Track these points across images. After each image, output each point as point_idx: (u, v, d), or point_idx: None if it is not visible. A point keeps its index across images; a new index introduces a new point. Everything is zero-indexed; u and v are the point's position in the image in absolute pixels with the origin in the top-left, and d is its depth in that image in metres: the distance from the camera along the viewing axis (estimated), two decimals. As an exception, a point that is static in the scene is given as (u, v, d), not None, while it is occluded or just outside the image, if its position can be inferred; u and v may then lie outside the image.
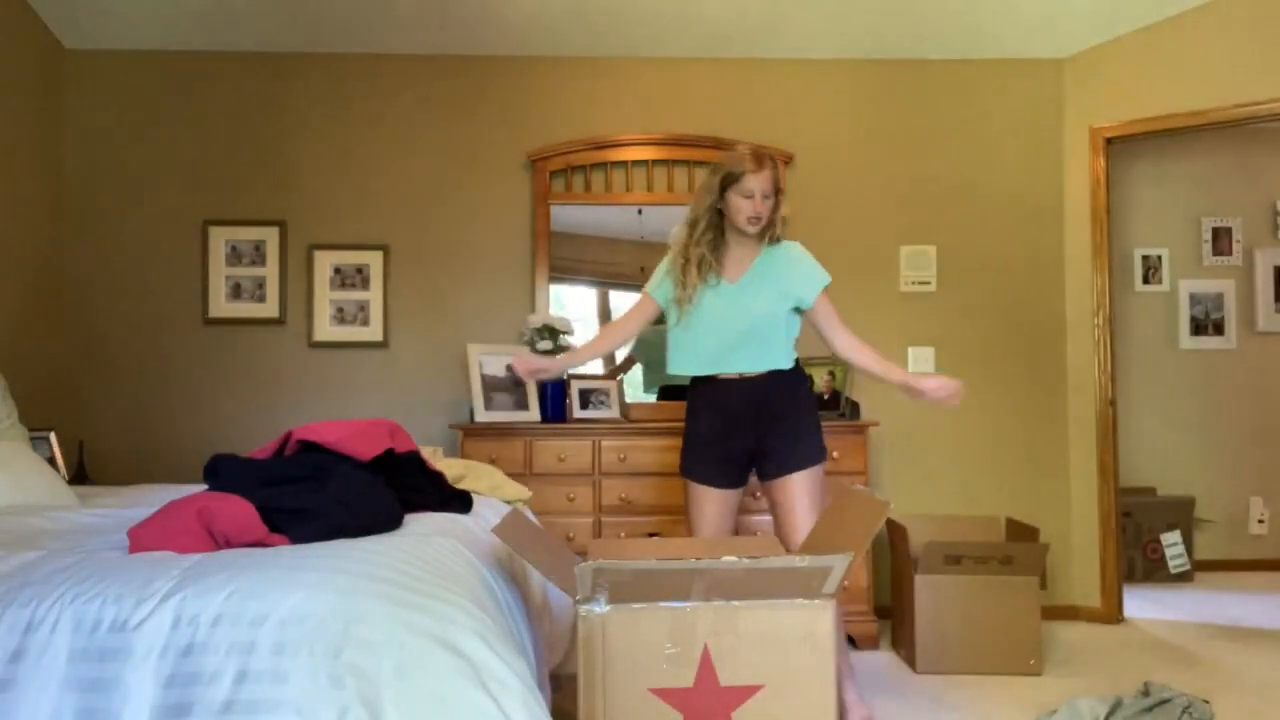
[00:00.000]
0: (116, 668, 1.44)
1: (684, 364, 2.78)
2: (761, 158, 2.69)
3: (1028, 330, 4.25)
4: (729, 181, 2.69)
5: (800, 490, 2.72)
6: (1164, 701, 2.66)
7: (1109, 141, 4.15)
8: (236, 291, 4.16)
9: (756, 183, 2.66)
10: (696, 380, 2.82)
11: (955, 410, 4.18)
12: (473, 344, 4.00)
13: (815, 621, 1.83)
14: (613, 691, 1.77)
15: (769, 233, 2.75)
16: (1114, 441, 4.15)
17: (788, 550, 2.60)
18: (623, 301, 4.27)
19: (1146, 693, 2.75)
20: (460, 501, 2.43)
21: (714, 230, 2.74)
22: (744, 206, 2.67)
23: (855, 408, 4.00)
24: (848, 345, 2.76)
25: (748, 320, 2.71)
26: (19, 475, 2.64)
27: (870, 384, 4.13)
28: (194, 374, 4.14)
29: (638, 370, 4.26)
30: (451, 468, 2.75)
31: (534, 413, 3.93)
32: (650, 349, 4.18)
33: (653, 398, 4.22)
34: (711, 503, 2.81)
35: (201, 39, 4.13)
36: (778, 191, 2.72)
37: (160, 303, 4.15)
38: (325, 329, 4.17)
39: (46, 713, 1.42)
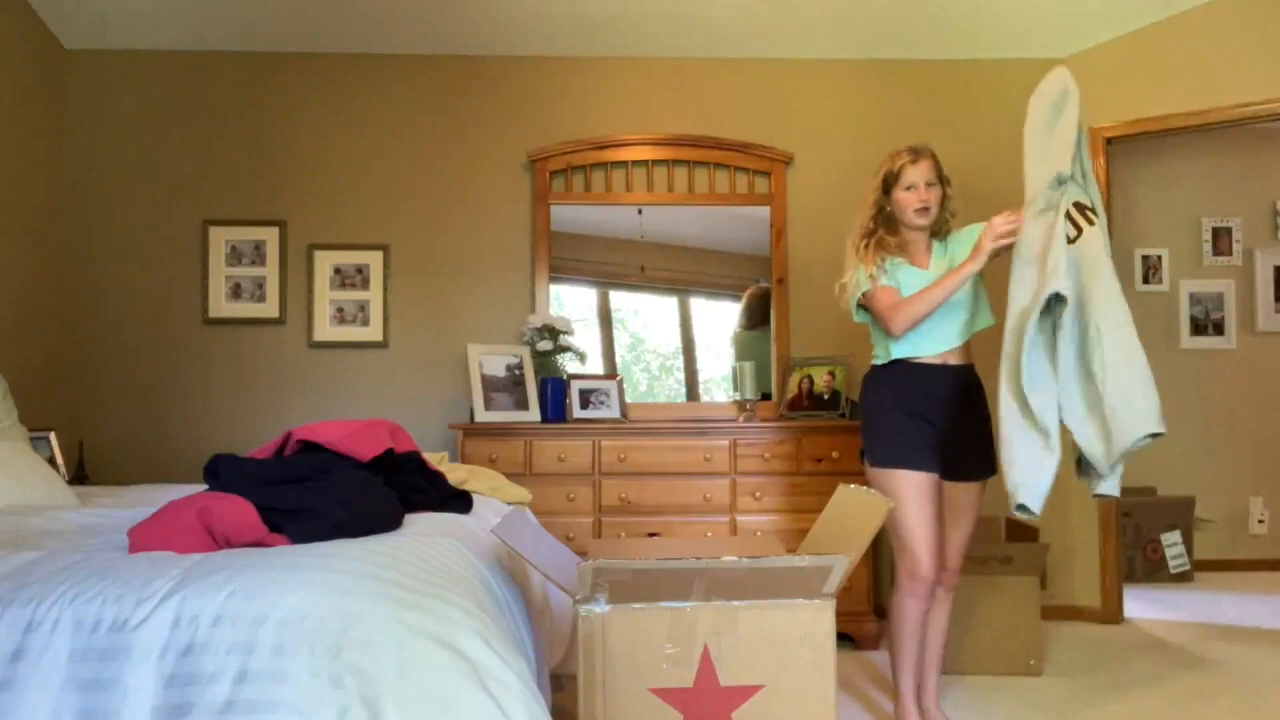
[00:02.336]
0: (116, 668, 1.44)
1: (909, 346, 2.73)
2: (917, 150, 2.75)
3: (1028, 330, 4.25)
4: (890, 181, 2.75)
5: (978, 499, 2.84)
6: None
7: (1109, 141, 4.15)
8: (236, 291, 4.16)
9: (918, 173, 2.71)
10: (894, 365, 2.74)
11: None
12: (473, 344, 4.00)
13: (815, 621, 1.83)
14: (613, 691, 1.77)
15: (941, 228, 2.82)
16: (1114, 441, 4.14)
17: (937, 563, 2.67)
18: (622, 302, 4.27)
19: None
20: (460, 501, 2.44)
21: (885, 231, 2.77)
22: (909, 199, 2.71)
23: (855, 408, 3.99)
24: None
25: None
26: (19, 475, 2.64)
27: (870, 384, 4.13)
28: (194, 374, 4.14)
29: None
30: (454, 472, 2.75)
31: (534, 413, 3.93)
32: (748, 350, 4.18)
33: (653, 399, 4.22)
34: (933, 492, 2.68)
35: (201, 39, 4.13)
36: (942, 180, 2.77)
37: (160, 303, 4.15)
38: (325, 329, 4.17)
39: (46, 713, 1.42)
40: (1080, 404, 2.48)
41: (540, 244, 4.17)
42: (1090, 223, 2.48)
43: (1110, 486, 2.61)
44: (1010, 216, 2.60)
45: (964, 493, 2.78)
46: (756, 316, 4.23)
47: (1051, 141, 2.55)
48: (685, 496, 3.73)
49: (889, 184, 2.75)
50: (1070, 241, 2.47)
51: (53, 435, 3.45)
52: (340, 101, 4.23)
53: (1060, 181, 2.50)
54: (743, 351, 4.21)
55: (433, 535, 1.92)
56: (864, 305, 2.75)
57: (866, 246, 2.72)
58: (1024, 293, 2.52)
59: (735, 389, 4.09)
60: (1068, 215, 2.47)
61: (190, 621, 1.47)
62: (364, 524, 1.90)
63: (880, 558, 4.04)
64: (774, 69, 4.27)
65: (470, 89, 4.24)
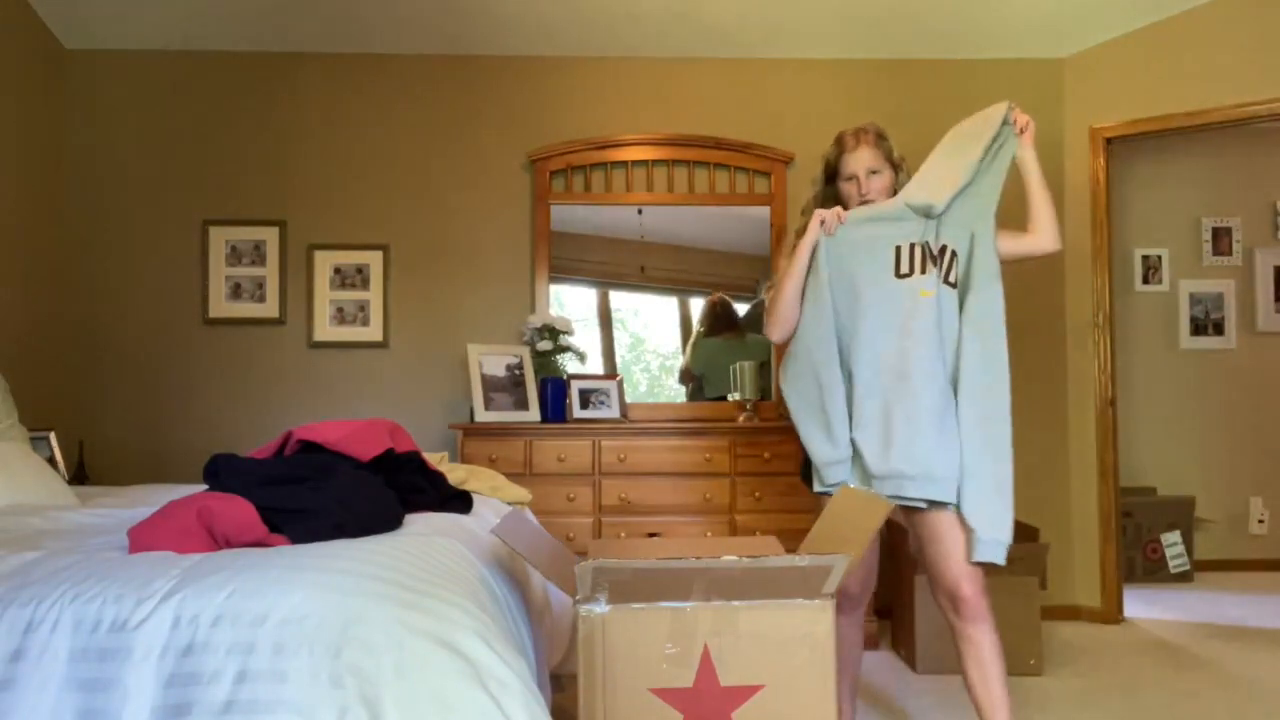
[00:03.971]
0: (116, 668, 1.44)
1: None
2: (857, 132, 2.44)
3: (1027, 330, 4.25)
4: (830, 172, 2.49)
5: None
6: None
7: (1109, 141, 4.15)
8: (236, 291, 4.16)
9: (856, 161, 2.41)
10: None
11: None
12: (473, 344, 4.00)
13: (815, 621, 1.83)
14: (613, 691, 1.77)
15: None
16: (1114, 441, 4.15)
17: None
18: (622, 302, 4.27)
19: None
20: (460, 501, 2.43)
21: None
22: (849, 191, 2.42)
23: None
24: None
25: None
26: (19, 475, 2.64)
27: (870, 384, 4.13)
28: (194, 374, 4.14)
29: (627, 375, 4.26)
30: (454, 472, 2.75)
31: (534, 413, 3.93)
32: (700, 363, 4.19)
33: (653, 399, 4.22)
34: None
35: (201, 39, 4.13)
36: (893, 164, 2.45)
37: (160, 303, 4.15)
38: (325, 329, 4.17)
39: (46, 713, 1.42)
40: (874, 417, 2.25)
41: (540, 244, 4.17)
42: (938, 283, 2.25)
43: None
44: (840, 212, 2.36)
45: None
46: (721, 324, 4.25)
47: (957, 159, 2.30)
48: (685, 496, 3.73)
49: (829, 174, 2.49)
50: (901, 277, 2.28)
51: (53, 435, 3.45)
52: (340, 101, 4.23)
53: (926, 213, 2.29)
54: (703, 357, 4.22)
55: (433, 535, 1.92)
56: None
57: (789, 248, 2.46)
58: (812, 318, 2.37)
59: (681, 385, 4.11)
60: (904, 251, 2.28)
61: (190, 621, 1.47)
62: (364, 524, 1.90)
63: (880, 558, 4.03)
64: (774, 69, 4.27)
65: (470, 89, 4.24)
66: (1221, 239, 5.27)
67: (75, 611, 1.48)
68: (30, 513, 2.32)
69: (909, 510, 2.29)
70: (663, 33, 4.11)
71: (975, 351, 2.19)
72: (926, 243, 2.26)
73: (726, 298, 4.26)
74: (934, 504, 2.22)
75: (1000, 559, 2.18)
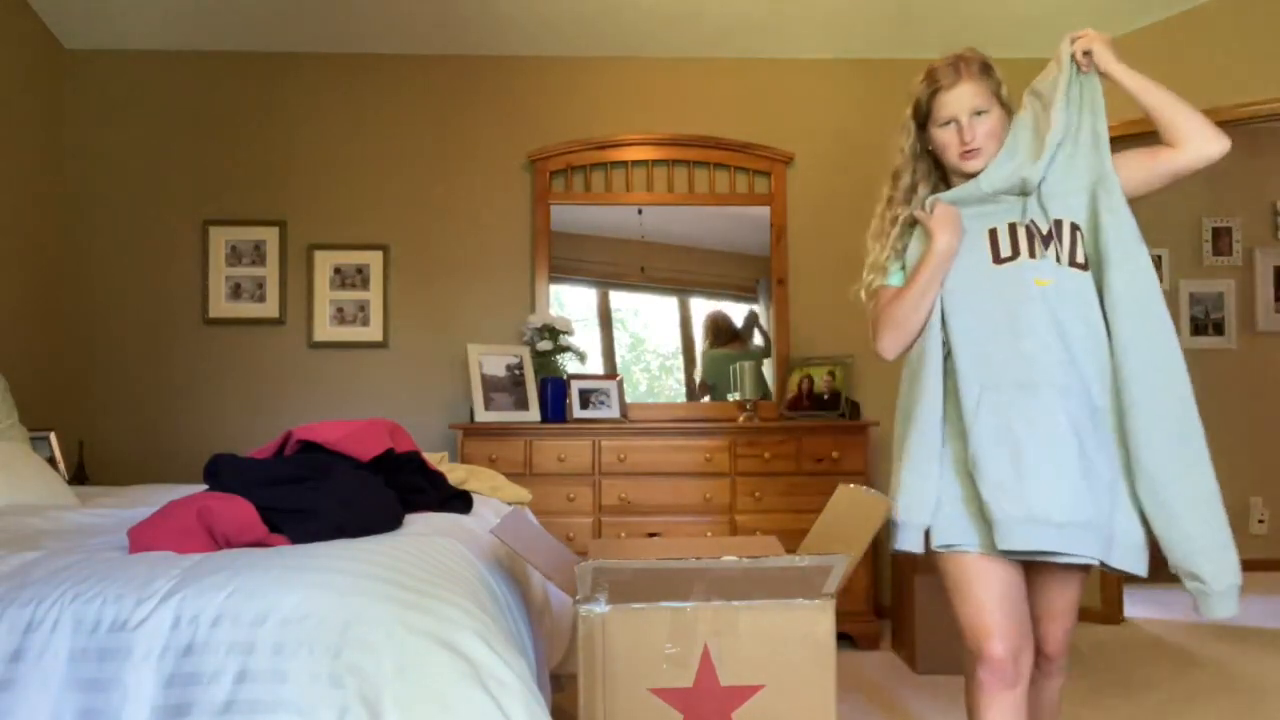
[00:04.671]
0: (116, 668, 1.44)
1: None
2: (957, 63, 1.92)
3: (1028, 330, 4.25)
4: (922, 114, 1.95)
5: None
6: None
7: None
8: (236, 291, 4.16)
9: (956, 101, 1.89)
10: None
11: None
12: (473, 344, 4.00)
13: (815, 621, 1.83)
14: (613, 691, 1.77)
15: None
16: (1114, 441, 4.15)
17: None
18: (622, 302, 4.27)
19: None
20: (460, 501, 2.43)
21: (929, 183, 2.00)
22: (948, 140, 1.90)
23: (855, 408, 4.00)
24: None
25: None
26: (19, 475, 2.64)
27: (870, 384, 4.13)
28: (194, 374, 4.14)
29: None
30: (454, 472, 2.75)
31: (534, 413, 3.93)
32: (712, 375, 4.21)
33: (653, 399, 4.22)
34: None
35: (201, 39, 4.13)
36: (1002, 103, 1.94)
37: (160, 303, 4.15)
38: (325, 329, 4.17)
39: (46, 713, 1.42)
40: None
41: (540, 244, 4.17)
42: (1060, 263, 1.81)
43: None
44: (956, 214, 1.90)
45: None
46: (724, 337, 4.26)
47: (1040, 117, 1.90)
48: (685, 496, 3.73)
49: (921, 118, 1.95)
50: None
51: (53, 435, 3.45)
52: (340, 101, 4.23)
53: (1023, 191, 1.86)
54: (713, 369, 4.23)
55: (433, 535, 1.92)
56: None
57: (884, 222, 2.02)
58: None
59: (694, 388, 4.11)
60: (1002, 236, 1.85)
61: (190, 621, 1.47)
62: (364, 524, 1.90)
63: (880, 558, 4.04)
64: (774, 69, 4.27)
65: (470, 89, 4.24)
66: (1221, 239, 5.27)
67: (75, 611, 1.48)
68: (30, 513, 2.32)
69: (1030, 563, 1.81)
70: (663, 33, 4.11)
71: (1135, 344, 1.73)
72: (1031, 222, 1.82)
73: (724, 311, 4.27)
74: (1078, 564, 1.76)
75: (1235, 608, 1.94)
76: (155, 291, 4.16)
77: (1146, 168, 1.86)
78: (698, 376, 4.26)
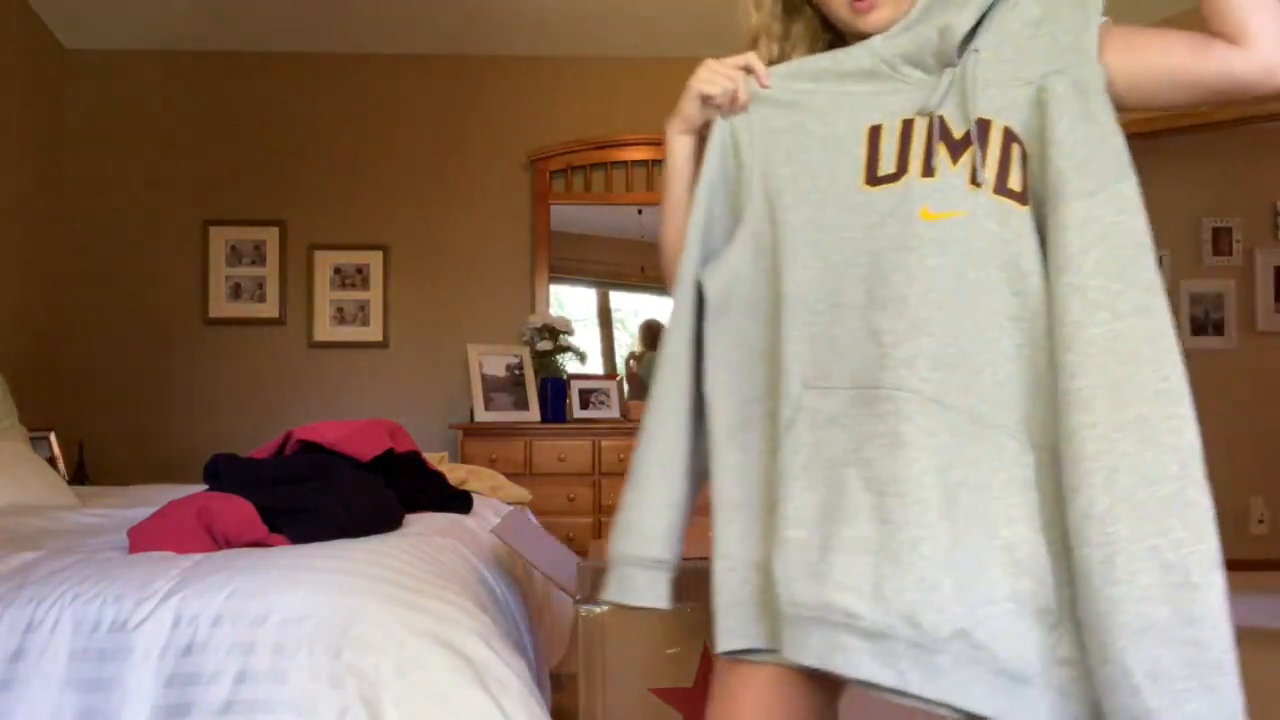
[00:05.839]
0: (116, 668, 1.44)
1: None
2: None
3: (1028, 330, 4.25)
4: None
5: None
6: None
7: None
8: (236, 291, 4.16)
9: None
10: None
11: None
12: (473, 344, 4.00)
13: (815, 621, 1.82)
14: (613, 691, 1.77)
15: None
16: (1114, 441, 4.15)
17: None
18: (622, 302, 4.27)
19: None
20: (460, 501, 2.44)
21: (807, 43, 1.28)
22: None
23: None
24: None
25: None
26: (19, 475, 2.64)
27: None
28: (194, 374, 4.14)
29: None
30: (454, 472, 2.75)
31: (534, 413, 3.93)
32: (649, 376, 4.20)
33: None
34: None
35: (201, 39, 4.13)
36: None
37: (160, 303, 4.15)
38: (325, 329, 4.17)
39: (46, 713, 1.42)
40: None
41: (540, 244, 4.17)
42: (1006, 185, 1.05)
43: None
44: (736, 63, 1.21)
45: None
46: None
47: None
48: (685, 496, 3.72)
49: None
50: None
51: (53, 435, 3.45)
52: (340, 101, 4.22)
53: (940, 55, 1.08)
54: (647, 373, 4.23)
55: (433, 535, 1.92)
56: None
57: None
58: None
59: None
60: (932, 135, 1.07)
61: (190, 621, 1.47)
62: (364, 524, 1.90)
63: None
64: (774, 69, 4.28)
65: (470, 89, 4.24)
66: (1221, 239, 5.27)
67: (75, 611, 1.48)
68: (30, 513, 2.32)
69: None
70: (663, 32, 4.11)
71: (1092, 339, 0.97)
72: (941, 118, 1.07)
73: (658, 319, 4.26)
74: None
75: None
76: (155, 291, 4.16)
77: (1173, 61, 1.10)
78: (642, 378, 4.23)
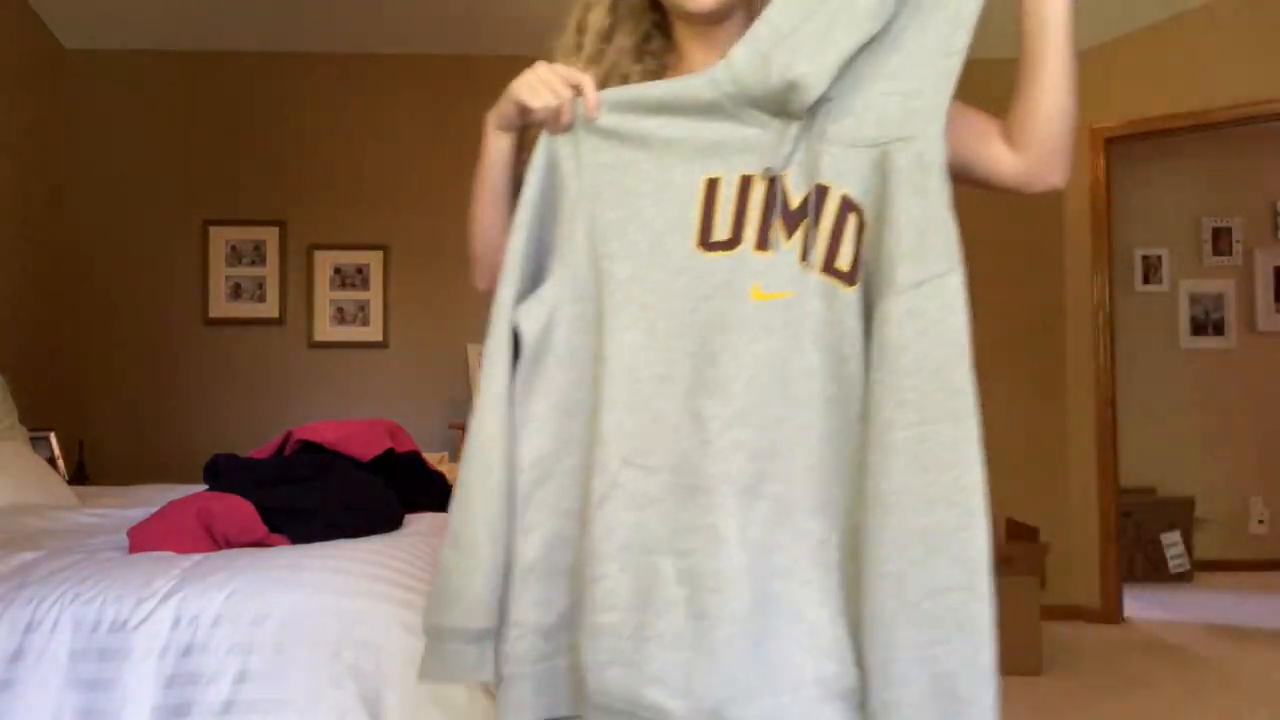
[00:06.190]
0: (116, 668, 1.44)
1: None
2: None
3: (1028, 330, 4.25)
4: None
5: None
6: None
7: (1109, 141, 4.14)
8: (236, 291, 4.16)
9: None
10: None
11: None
12: (473, 344, 4.00)
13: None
14: None
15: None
16: (1114, 441, 4.15)
17: None
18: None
19: None
20: (460, 501, 2.43)
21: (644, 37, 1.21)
22: None
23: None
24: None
25: None
26: (19, 475, 2.64)
27: (870, 384, 4.13)
28: (194, 374, 4.14)
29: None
30: (454, 472, 2.75)
31: (534, 413, 3.93)
32: None
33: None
34: None
35: (201, 39, 4.12)
36: None
37: (160, 303, 4.15)
38: (325, 329, 4.17)
39: (46, 713, 1.42)
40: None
41: (540, 244, 4.17)
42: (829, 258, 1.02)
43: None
44: (567, 78, 1.09)
45: None
46: None
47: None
48: (685, 496, 3.72)
49: None
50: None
51: (53, 435, 3.45)
52: (340, 101, 4.22)
53: (784, 108, 1.00)
54: None
55: (432, 535, 1.92)
56: None
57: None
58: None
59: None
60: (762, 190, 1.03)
61: (190, 621, 1.47)
62: (364, 524, 1.90)
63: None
64: (774, 69, 4.27)
65: (470, 89, 4.23)
66: (1221, 239, 5.27)
67: (75, 611, 1.47)
68: (30, 513, 2.32)
69: None
70: (663, 33, 4.11)
71: (904, 430, 0.96)
72: (778, 178, 1.02)
73: None
74: None
75: None
76: (155, 291, 4.16)
77: (969, 147, 1.11)
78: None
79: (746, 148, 1.02)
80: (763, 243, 1.01)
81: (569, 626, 1.06)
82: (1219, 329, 5.25)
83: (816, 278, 1.01)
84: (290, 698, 1.43)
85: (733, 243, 1.03)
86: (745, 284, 1.01)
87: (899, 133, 0.98)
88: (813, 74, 0.96)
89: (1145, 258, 5.25)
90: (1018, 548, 3.44)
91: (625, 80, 1.14)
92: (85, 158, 4.18)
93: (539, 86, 1.08)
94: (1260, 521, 5.21)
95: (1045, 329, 4.25)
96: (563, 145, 1.08)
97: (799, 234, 1.01)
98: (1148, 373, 5.21)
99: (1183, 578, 4.91)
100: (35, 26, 3.98)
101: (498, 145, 1.16)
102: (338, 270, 4.18)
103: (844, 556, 1.00)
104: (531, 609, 1.07)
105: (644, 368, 1.04)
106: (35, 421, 3.60)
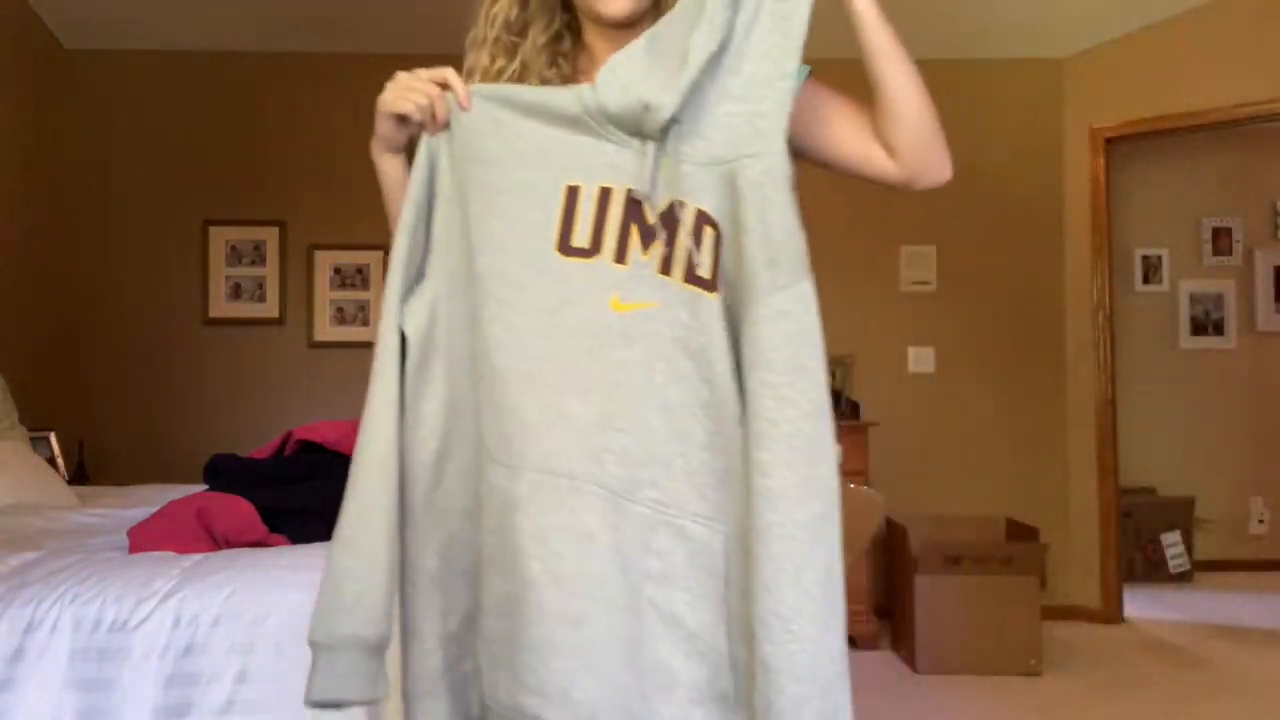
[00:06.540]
0: (116, 668, 1.44)
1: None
2: None
3: (1027, 330, 4.25)
4: None
5: None
6: None
7: (1109, 141, 4.15)
8: (236, 291, 4.16)
9: None
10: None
11: (956, 410, 4.18)
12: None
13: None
14: None
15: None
16: (1114, 441, 4.15)
17: None
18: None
19: None
20: (460, 501, 2.43)
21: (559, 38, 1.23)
22: None
23: (855, 408, 3.99)
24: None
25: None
26: (19, 475, 2.64)
27: (870, 384, 4.13)
28: (194, 374, 4.14)
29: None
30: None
31: (534, 413, 3.93)
32: None
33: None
34: None
35: (202, 39, 4.12)
36: None
37: (160, 303, 4.15)
38: (325, 329, 4.17)
39: (46, 713, 1.42)
40: None
41: (540, 244, 4.17)
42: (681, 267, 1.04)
43: None
44: (432, 76, 1.10)
45: None
46: None
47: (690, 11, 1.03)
48: (685, 496, 3.72)
49: None
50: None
51: (53, 435, 3.45)
52: (340, 101, 4.22)
53: (639, 128, 1.04)
54: None
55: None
56: None
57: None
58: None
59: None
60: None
61: (190, 622, 1.47)
62: (364, 524, 1.90)
63: (880, 558, 4.03)
64: (774, 69, 4.27)
65: (470, 89, 4.24)
66: (1221, 239, 5.27)
67: (75, 611, 1.48)
68: (30, 513, 2.32)
69: None
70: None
71: (787, 425, 0.98)
72: (637, 196, 1.05)
73: None
74: None
75: None
76: (155, 291, 4.15)
77: (844, 150, 1.18)
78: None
79: (606, 162, 1.05)
80: (621, 255, 1.04)
81: (472, 629, 1.07)
82: (1219, 329, 5.25)
83: (679, 287, 1.03)
84: (290, 698, 1.43)
85: (591, 252, 1.05)
86: (604, 295, 1.04)
87: (747, 149, 1.02)
88: (665, 97, 1.00)
89: (1145, 258, 5.25)
90: (1018, 548, 3.44)
91: (545, 84, 1.16)
92: (85, 158, 4.17)
93: (405, 93, 1.09)
94: (1260, 521, 5.21)
95: (1045, 329, 4.25)
96: (439, 143, 1.10)
97: (656, 247, 1.03)
98: (1148, 373, 5.21)
99: (1183, 578, 4.91)
100: (35, 27, 3.98)
101: (390, 170, 1.16)
102: (338, 270, 4.18)
103: (729, 560, 1.01)
104: (438, 619, 1.07)
105: (510, 365, 1.05)
106: (35, 421, 3.60)
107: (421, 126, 1.10)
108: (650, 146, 1.03)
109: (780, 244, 1.01)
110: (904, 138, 1.12)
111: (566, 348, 1.04)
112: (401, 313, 1.07)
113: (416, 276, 1.10)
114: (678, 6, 1.04)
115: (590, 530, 1.01)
